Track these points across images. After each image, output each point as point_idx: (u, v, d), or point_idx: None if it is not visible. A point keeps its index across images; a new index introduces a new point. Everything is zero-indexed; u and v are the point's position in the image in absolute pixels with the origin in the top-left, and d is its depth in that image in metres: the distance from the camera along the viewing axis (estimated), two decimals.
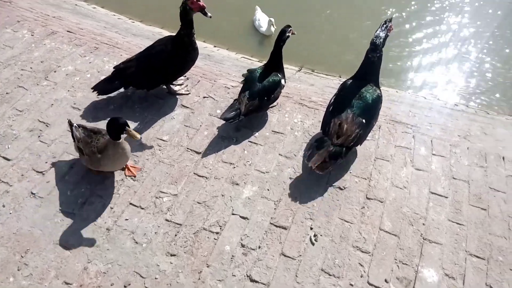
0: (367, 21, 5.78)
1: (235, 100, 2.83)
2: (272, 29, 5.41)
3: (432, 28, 5.86)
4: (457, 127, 3.51)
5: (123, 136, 2.22)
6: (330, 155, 2.43)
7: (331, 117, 2.56)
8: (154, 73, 2.82)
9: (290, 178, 2.60)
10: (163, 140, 2.74)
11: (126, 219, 2.35)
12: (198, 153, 2.68)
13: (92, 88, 2.91)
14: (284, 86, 2.92)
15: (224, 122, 2.79)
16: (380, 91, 2.66)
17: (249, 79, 2.83)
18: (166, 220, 2.35)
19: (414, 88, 5.13)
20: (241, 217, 2.39)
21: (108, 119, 2.21)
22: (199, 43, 5.13)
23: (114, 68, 2.91)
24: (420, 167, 2.69)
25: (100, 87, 2.90)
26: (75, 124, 2.42)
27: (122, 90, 3.01)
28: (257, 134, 2.85)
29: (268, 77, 2.81)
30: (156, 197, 2.45)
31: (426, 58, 5.46)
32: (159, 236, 2.28)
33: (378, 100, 2.59)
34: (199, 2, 2.64)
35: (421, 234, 2.34)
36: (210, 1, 5.83)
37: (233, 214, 2.40)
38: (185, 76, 3.18)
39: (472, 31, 5.81)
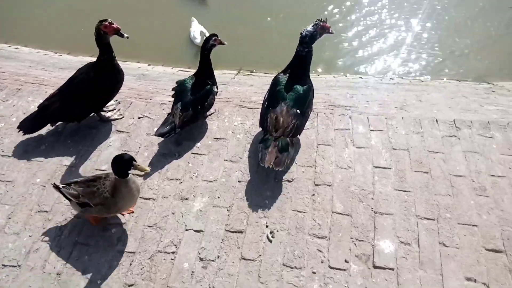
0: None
1: (168, 114, 2.79)
2: None
3: (366, 16, 6.09)
4: (393, 100, 3.64)
5: (131, 172, 2.09)
6: (279, 149, 2.45)
7: (267, 112, 2.59)
8: (80, 103, 2.72)
9: (239, 181, 2.58)
10: (102, 170, 2.64)
11: (76, 259, 2.24)
12: (140, 176, 2.61)
13: (17, 128, 2.77)
14: (217, 93, 2.91)
15: (162, 139, 2.74)
16: (311, 82, 2.73)
17: (180, 90, 2.81)
18: (118, 251, 2.27)
19: (353, 71, 5.29)
20: (195, 231, 2.34)
21: (113, 157, 2.06)
22: (133, 64, 5.08)
23: (38, 107, 2.79)
24: (361, 145, 2.76)
25: (25, 125, 2.77)
26: (61, 185, 2.20)
27: (51, 127, 2.89)
28: (199, 144, 2.82)
29: (199, 86, 2.80)
30: (104, 230, 2.36)
31: (361, 42, 5.67)
32: (113, 269, 2.19)
33: (309, 90, 2.65)
34: (113, 25, 2.58)
35: (372, 208, 2.40)
36: (142, 17, 5.81)
37: (186, 230, 2.35)
38: (116, 100, 3.09)
39: (397, 13, 6.09)
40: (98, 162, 2.70)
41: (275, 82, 2.73)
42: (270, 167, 2.41)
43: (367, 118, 2.95)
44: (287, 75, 2.73)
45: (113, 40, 2.70)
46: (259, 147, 2.51)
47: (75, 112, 2.76)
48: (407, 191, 2.47)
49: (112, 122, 2.96)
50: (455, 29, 5.72)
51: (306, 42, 2.60)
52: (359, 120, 2.94)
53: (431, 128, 2.84)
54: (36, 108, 2.80)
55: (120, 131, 2.92)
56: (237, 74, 4.92)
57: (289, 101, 2.56)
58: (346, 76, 4.86)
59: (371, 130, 2.85)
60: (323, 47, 5.45)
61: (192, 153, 2.76)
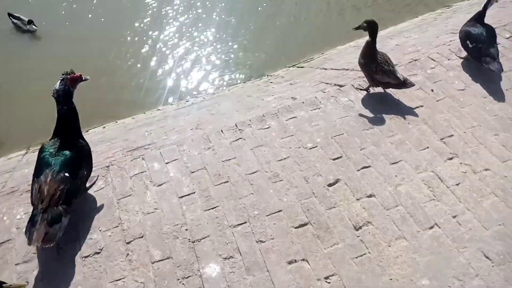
0: None
1: None
2: None
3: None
4: (189, 122, 3.73)
5: None
6: (48, 223, 2.15)
7: (32, 184, 2.36)
8: None
9: (41, 280, 2.22)
10: None
11: None
12: None
13: None
14: None
15: None
16: (82, 141, 2.57)
17: None
18: None
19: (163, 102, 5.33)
20: None
21: None
22: None
23: None
24: (161, 181, 2.71)
25: None
26: None
27: None
28: None
29: None
30: None
31: (163, 73, 5.79)
32: None
33: (80, 150, 2.49)
34: None
35: (189, 239, 2.36)
36: None
37: None
38: None
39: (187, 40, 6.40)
40: None
41: (41, 149, 2.48)
42: (39, 245, 2.12)
43: (160, 153, 2.92)
44: (55, 139, 2.51)
45: None
46: (27, 226, 2.17)
47: None
48: (215, 207, 2.52)
49: None
50: (235, 39, 6.38)
51: (63, 100, 2.46)
52: (153, 158, 2.89)
53: (218, 139, 2.98)
54: None
55: None
56: (26, 153, 4.35)
57: (54, 166, 2.34)
58: (144, 113, 4.80)
59: (167, 163, 2.83)
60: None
61: None
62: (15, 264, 2.31)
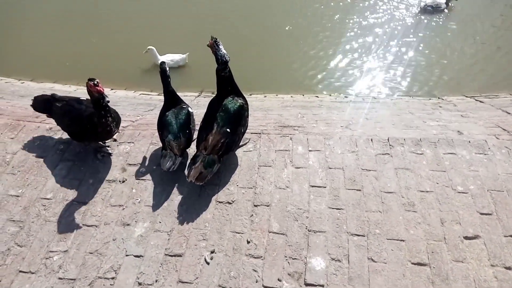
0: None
1: (162, 149, 2.85)
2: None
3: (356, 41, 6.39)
4: (341, 118, 3.80)
5: None
6: (204, 165, 2.62)
7: (200, 133, 2.78)
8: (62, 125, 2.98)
9: (181, 205, 2.67)
10: (47, 199, 2.71)
11: None
12: (84, 203, 2.68)
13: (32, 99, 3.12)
14: (193, 113, 3.02)
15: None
16: (243, 99, 2.86)
17: (163, 124, 2.88)
18: (59, 278, 2.32)
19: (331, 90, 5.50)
20: (135, 256, 2.41)
21: None
22: None
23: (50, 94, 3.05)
24: (299, 165, 2.88)
25: (37, 103, 3.09)
26: None
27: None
28: (143, 169, 2.91)
29: (178, 113, 2.90)
30: (46, 258, 2.41)
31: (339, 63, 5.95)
32: None
33: (240, 109, 2.78)
34: (97, 87, 2.53)
35: (306, 226, 2.51)
36: (107, 45, 5.94)
37: (126, 255, 2.42)
38: None
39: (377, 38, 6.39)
40: (44, 191, 2.76)
41: (210, 104, 2.88)
42: (193, 181, 2.59)
43: (307, 139, 3.08)
44: (219, 96, 2.84)
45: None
46: (189, 163, 2.68)
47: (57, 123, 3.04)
48: (340, 209, 2.59)
49: (58, 150, 3.03)
50: (422, 52, 6.04)
51: (227, 63, 2.74)
52: (299, 141, 3.07)
53: (365, 147, 2.99)
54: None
55: (67, 159, 2.99)
56: (198, 96, 5.05)
57: (219, 121, 2.71)
58: (303, 95, 5.02)
59: (310, 151, 2.99)
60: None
61: (136, 179, 2.84)
62: (167, 185, 2.81)
